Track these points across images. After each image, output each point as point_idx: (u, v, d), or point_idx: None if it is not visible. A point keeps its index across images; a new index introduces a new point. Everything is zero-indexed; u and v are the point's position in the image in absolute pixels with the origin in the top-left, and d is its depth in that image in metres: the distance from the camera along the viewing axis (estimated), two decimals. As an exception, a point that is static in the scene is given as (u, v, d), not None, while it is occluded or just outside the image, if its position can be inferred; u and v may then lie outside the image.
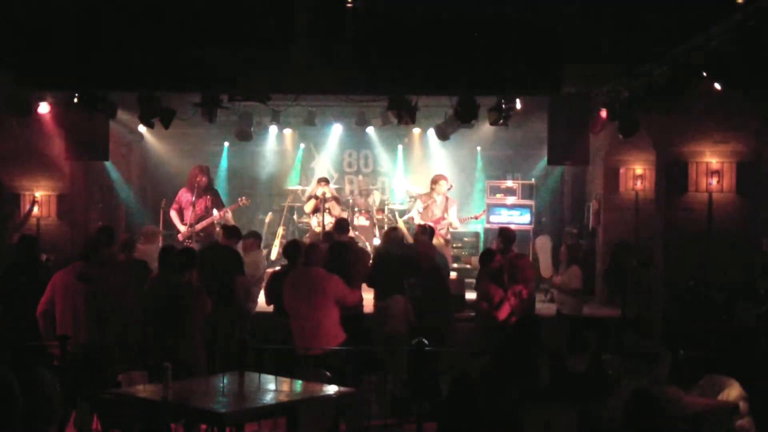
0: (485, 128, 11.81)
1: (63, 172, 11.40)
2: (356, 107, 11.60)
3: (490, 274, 8.28)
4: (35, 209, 11.09)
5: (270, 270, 9.88)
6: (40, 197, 11.19)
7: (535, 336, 5.57)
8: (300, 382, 6.18)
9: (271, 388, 5.97)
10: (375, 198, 13.49)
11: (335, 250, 8.34)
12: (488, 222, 12.94)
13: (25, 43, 8.04)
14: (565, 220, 14.17)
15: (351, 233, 10.97)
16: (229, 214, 11.28)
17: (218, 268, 8.54)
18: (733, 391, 5.91)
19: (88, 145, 10.60)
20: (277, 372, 6.38)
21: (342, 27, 7.37)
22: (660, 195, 9.94)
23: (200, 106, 9.65)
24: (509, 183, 13.56)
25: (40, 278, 7.54)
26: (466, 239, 13.29)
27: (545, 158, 11.34)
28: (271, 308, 8.53)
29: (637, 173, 11.44)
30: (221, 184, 13.72)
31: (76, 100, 9.35)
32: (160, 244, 9.82)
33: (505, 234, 8.80)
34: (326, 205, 11.96)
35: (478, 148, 14.46)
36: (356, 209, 13.03)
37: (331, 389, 6.03)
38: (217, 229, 10.76)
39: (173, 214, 11.41)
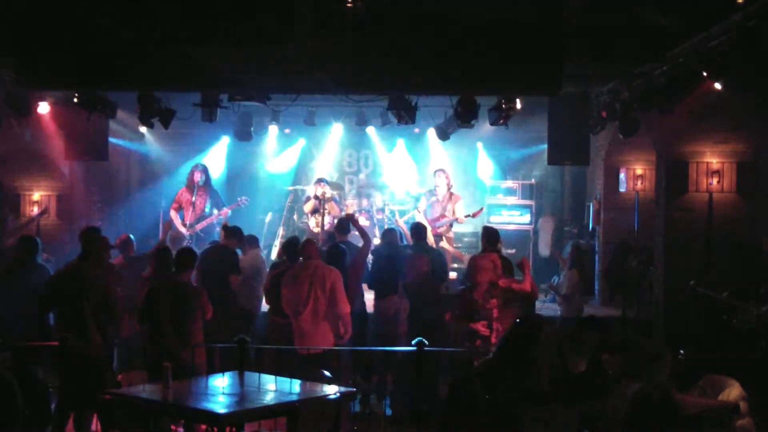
0: (485, 128, 11.80)
1: (63, 172, 11.40)
2: (356, 107, 11.59)
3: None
4: (38, 211, 11.11)
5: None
6: (46, 207, 11.20)
7: (535, 336, 5.56)
8: (300, 382, 6.18)
9: (271, 388, 5.97)
10: (375, 198, 13.50)
11: (334, 252, 8.35)
12: (488, 222, 12.93)
13: (25, 42, 8.03)
14: (565, 220, 14.19)
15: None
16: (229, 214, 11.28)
17: (217, 268, 8.54)
18: (733, 391, 5.91)
19: (88, 145, 10.59)
20: (277, 372, 6.38)
21: (342, 27, 7.35)
22: (660, 195, 9.94)
23: (200, 106, 9.65)
24: (509, 183, 13.56)
25: (39, 278, 7.55)
26: (466, 239, 13.30)
27: (545, 158, 11.34)
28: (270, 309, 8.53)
29: (637, 173, 11.44)
30: (221, 184, 13.71)
31: (76, 100, 9.35)
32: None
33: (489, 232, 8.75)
34: (325, 206, 11.97)
35: (479, 148, 14.46)
36: (356, 209, 13.04)
37: (331, 389, 6.03)
38: (217, 229, 10.77)
39: (173, 214, 11.41)
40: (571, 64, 8.21)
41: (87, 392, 6.56)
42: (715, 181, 9.50)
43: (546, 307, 10.71)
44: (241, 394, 5.86)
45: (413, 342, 6.72)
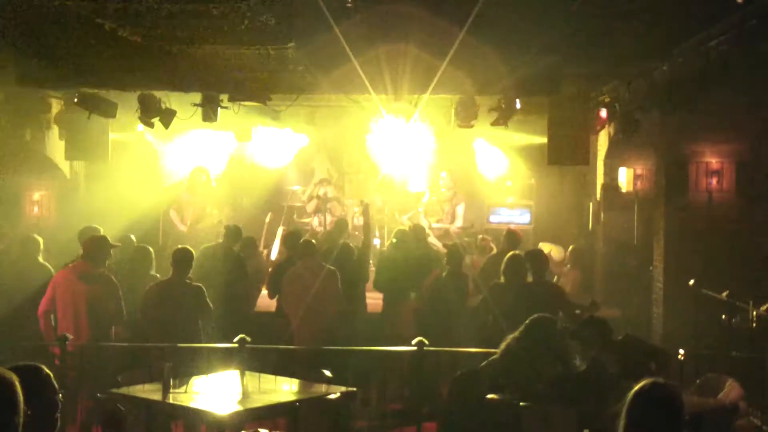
0: (485, 128, 11.79)
1: (63, 172, 11.40)
2: (356, 107, 11.59)
3: None
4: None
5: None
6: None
7: (537, 336, 5.57)
8: (300, 382, 6.18)
9: (271, 388, 5.97)
10: (375, 198, 13.48)
11: (332, 253, 8.36)
12: (488, 222, 12.94)
13: (26, 43, 8.03)
14: (565, 220, 14.16)
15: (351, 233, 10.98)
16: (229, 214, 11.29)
17: (217, 268, 8.54)
18: (733, 391, 5.91)
19: (88, 146, 10.60)
20: (277, 372, 6.38)
21: (342, 27, 7.36)
22: (660, 195, 9.94)
23: (200, 106, 9.65)
24: (509, 183, 13.54)
25: (41, 278, 7.55)
26: (465, 239, 13.27)
27: (545, 158, 11.34)
28: (271, 308, 8.53)
29: (637, 173, 11.43)
30: (221, 185, 13.69)
31: (76, 100, 9.36)
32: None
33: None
34: (327, 206, 11.98)
35: (478, 148, 14.44)
36: (356, 209, 13.02)
37: (331, 389, 6.03)
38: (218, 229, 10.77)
39: (173, 214, 11.41)
40: (570, 65, 8.21)
41: (87, 392, 6.56)
42: (714, 181, 9.50)
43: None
44: (241, 394, 5.86)
45: (413, 342, 6.72)
